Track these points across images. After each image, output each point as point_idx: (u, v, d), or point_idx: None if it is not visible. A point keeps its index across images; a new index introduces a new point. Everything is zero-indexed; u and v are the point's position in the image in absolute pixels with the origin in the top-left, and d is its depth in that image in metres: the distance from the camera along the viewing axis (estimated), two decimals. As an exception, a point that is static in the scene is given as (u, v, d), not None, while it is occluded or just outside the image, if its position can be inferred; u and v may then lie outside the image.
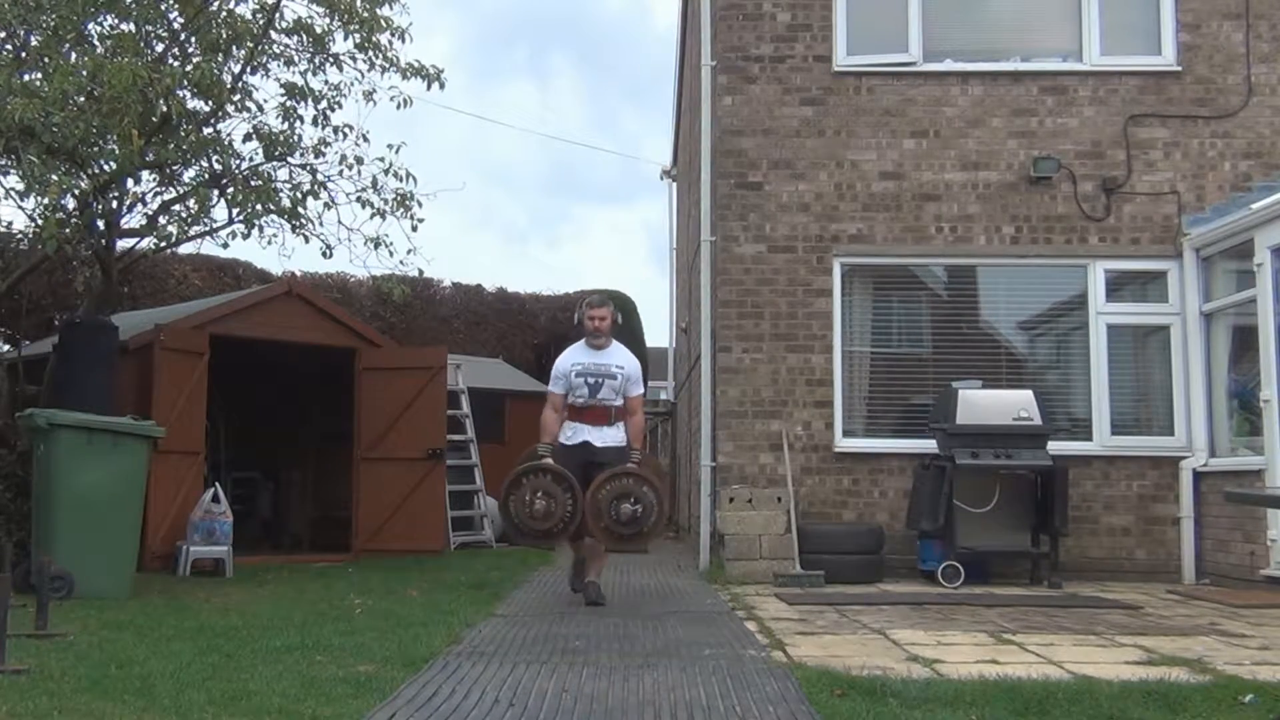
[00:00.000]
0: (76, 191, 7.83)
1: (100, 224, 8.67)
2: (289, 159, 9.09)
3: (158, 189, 9.32)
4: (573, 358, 6.78)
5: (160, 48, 8.66)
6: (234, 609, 6.31)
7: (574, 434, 6.70)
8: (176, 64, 8.28)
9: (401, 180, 9.12)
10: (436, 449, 10.79)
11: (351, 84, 9.14)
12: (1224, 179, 8.93)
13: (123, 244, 9.43)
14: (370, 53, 8.89)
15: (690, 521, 11.37)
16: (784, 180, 9.07)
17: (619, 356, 6.79)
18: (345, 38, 8.89)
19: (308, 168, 9.15)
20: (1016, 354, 9.31)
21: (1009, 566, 8.44)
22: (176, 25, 8.60)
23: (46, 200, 7.42)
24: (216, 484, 9.15)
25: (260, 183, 8.78)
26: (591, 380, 6.65)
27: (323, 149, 9.19)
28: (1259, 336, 7.81)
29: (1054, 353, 9.40)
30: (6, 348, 11.46)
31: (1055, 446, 8.20)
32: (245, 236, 8.94)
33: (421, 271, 9.75)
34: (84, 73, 7.30)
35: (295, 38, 8.94)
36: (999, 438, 8.03)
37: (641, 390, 6.86)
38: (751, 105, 9.15)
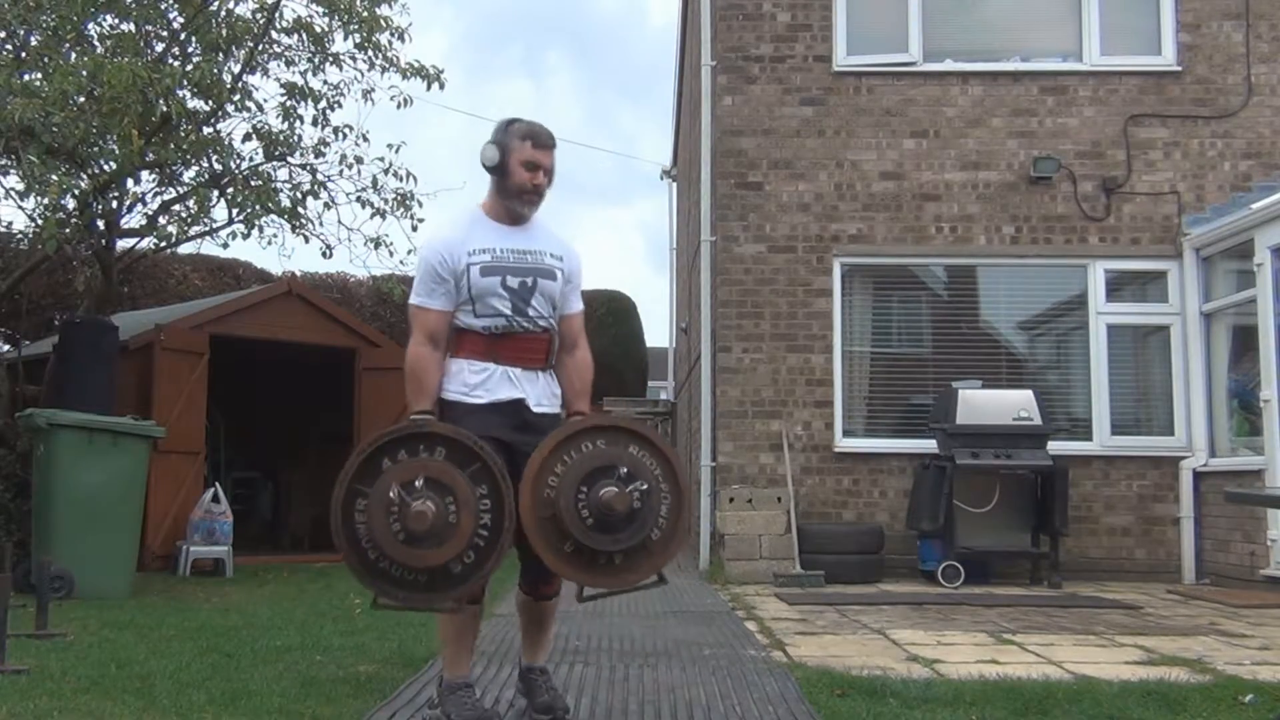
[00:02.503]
0: (76, 191, 7.83)
1: (100, 224, 8.68)
2: (289, 159, 9.11)
3: (158, 189, 9.34)
4: (470, 237, 3.51)
5: (160, 48, 8.67)
6: (234, 609, 6.31)
7: (490, 381, 3.47)
8: (176, 64, 8.28)
9: (401, 180, 9.16)
10: (436, 449, 10.79)
11: (351, 83, 9.17)
12: (1224, 179, 8.93)
13: (123, 244, 9.45)
14: (370, 52, 8.91)
15: (690, 521, 11.38)
16: (784, 180, 9.07)
17: (553, 240, 3.63)
18: (345, 37, 8.91)
19: (308, 168, 9.17)
20: (1016, 354, 9.31)
21: (1009, 566, 8.43)
22: (176, 25, 8.61)
23: (46, 200, 7.43)
24: (216, 484, 9.15)
25: (260, 183, 8.79)
26: (515, 282, 3.48)
27: (323, 149, 9.22)
28: (1259, 336, 7.81)
29: (1054, 353, 9.40)
30: (6, 348, 11.47)
31: (1055, 446, 8.20)
32: (245, 236, 8.97)
33: (422, 271, 9.76)
34: (84, 73, 7.31)
35: (295, 37, 8.96)
36: (999, 438, 8.03)
37: (582, 305, 3.75)
38: (751, 105, 9.14)
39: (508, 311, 3.47)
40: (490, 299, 3.46)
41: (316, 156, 9.19)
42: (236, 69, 8.71)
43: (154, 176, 9.12)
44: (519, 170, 3.52)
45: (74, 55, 7.98)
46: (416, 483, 3.09)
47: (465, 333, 3.48)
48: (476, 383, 3.46)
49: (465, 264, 3.46)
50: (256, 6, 8.69)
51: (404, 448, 3.17)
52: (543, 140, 3.55)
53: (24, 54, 8.05)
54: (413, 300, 3.49)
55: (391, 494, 3.06)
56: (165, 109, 7.71)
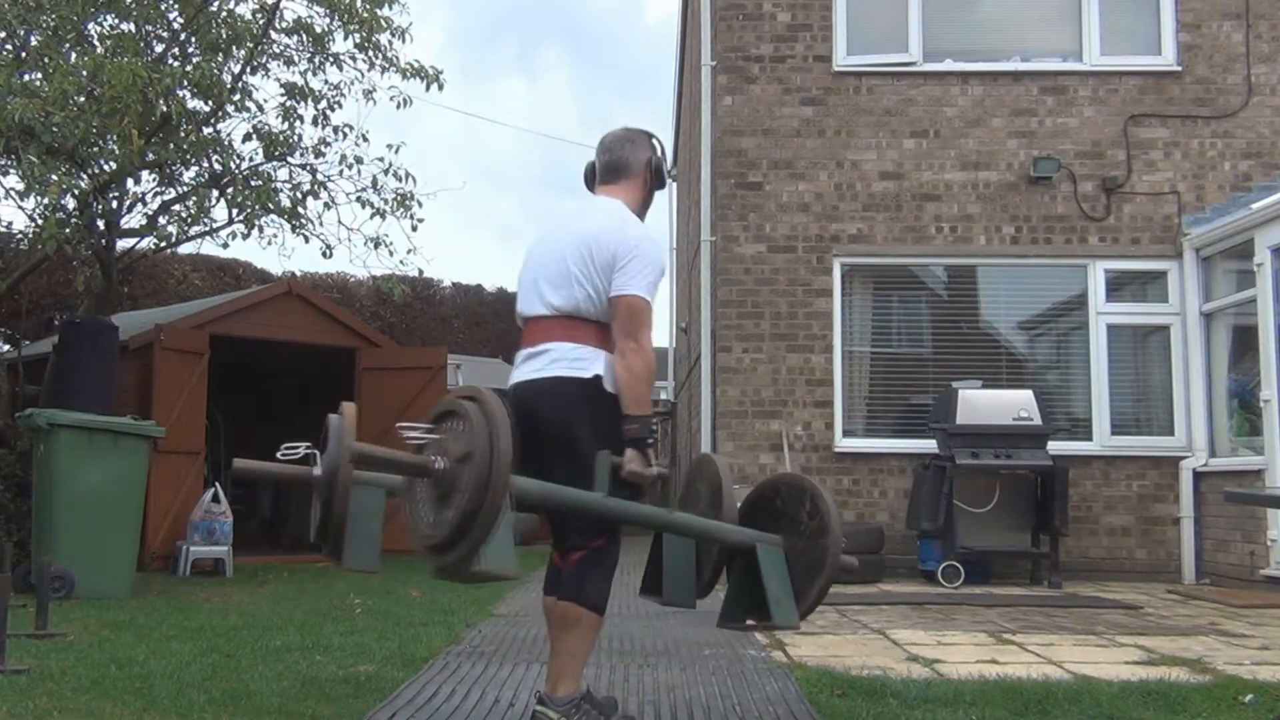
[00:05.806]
0: (76, 191, 7.84)
1: (100, 224, 8.68)
2: (289, 159, 9.12)
3: (158, 189, 9.35)
4: None
5: (160, 48, 8.68)
6: (234, 609, 6.31)
7: None
8: (176, 64, 8.29)
9: (401, 180, 9.17)
10: (436, 449, 10.79)
11: (351, 83, 9.18)
12: (1224, 179, 8.93)
13: (123, 244, 9.45)
14: (370, 52, 8.91)
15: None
16: (784, 180, 9.07)
17: None
18: (345, 38, 8.92)
19: (308, 168, 9.17)
20: (1016, 354, 9.31)
21: (1009, 566, 8.43)
22: (176, 25, 8.61)
23: (46, 200, 7.43)
24: (216, 484, 9.15)
25: (260, 183, 8.79)
26: None
27: (323, 149, 9.22)
28: (1259, 336, 7.81)
29: (1054, 353, 9.40)
30: (6, 348, 11.47)
31: (1055, 446, 8.19)
32: (245, 236, 8.99)
33: (421, 271, 9.83)
34: (84, 73, 7.31)
35: (295, 38, 8.97)
36: (999, 438, 8.03)
37: None
38: (751, 105, 9.14)
39: None
40: None
41: (316, 156, 9.21)
42: (236, 69, 8.72)
43: (154, 176, 9.12)
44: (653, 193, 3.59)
45: (74, 55, 7.98)
46: None
47: (607, 330, 3.36)
48: None
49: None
50: (256, 6, 8.70)
51: None
52: None
53: (24, 54, 8.05)
54: (647, 295, 3.32)
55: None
56: (165, 109, 7.71)
